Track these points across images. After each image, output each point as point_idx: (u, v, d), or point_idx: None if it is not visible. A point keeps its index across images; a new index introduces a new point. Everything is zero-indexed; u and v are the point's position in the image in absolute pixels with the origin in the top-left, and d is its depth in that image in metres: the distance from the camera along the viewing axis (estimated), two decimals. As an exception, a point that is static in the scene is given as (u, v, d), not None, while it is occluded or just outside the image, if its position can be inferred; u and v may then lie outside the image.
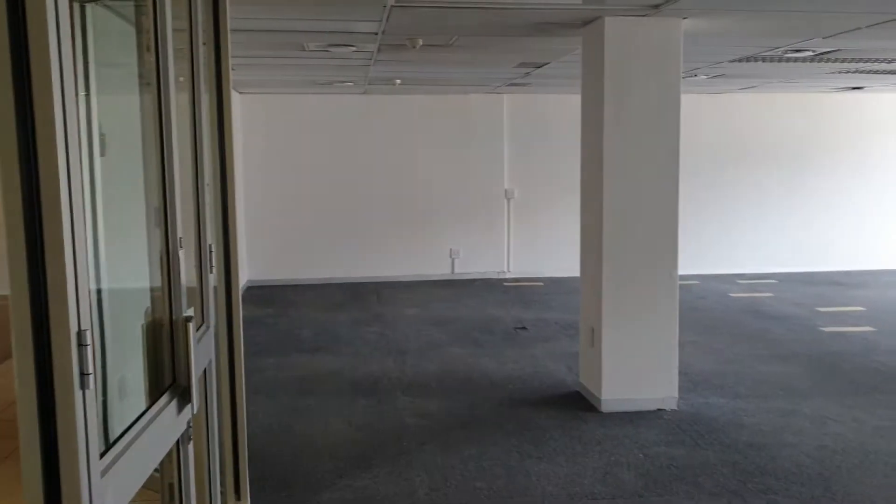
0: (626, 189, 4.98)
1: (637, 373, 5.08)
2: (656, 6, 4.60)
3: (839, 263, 10.71)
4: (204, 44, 3.00)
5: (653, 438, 4.59)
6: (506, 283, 10.07)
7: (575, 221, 10.24)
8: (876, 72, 7.76)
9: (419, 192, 10.37)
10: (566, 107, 10.28)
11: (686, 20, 4.93)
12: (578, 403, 5.25)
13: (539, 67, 7.37)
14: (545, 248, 10.52)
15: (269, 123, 10.00)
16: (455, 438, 4.63)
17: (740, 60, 6.96)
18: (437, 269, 10.47)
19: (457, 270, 10.49)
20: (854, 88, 9.73)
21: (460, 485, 3.99)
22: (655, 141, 4.98)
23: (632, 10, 4.72)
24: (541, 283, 10.02)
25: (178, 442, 2.03)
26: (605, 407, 5.05)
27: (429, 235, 10.43)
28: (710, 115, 10.16)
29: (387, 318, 8.03)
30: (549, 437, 4.62)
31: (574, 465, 4.22)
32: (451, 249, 10.46)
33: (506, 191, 10.49)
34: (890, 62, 7.02)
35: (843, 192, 10.76)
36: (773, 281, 9.99)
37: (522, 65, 7.21)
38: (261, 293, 9.40)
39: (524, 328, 7.51)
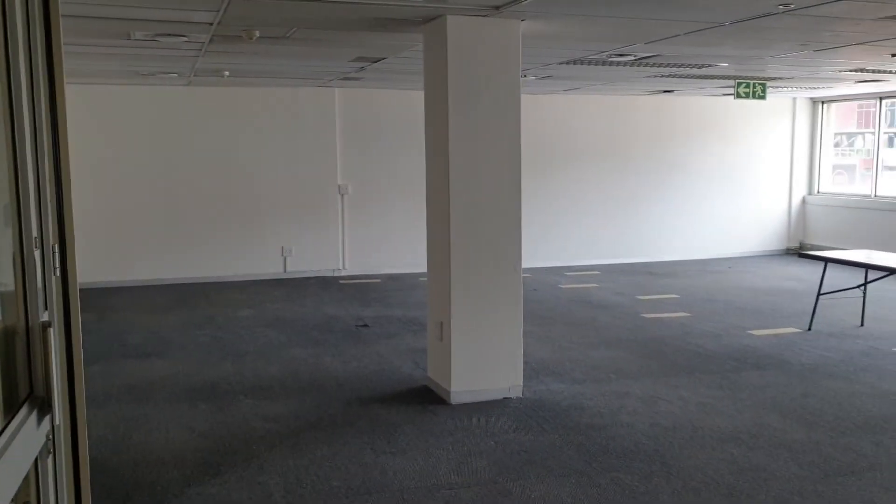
0: (472, 186, 5.08)
1: (484, 364, 5.21)
2: (497, 7, 4.72)
3: (653, 254, 11.52)
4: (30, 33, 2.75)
5: (502, 426, 4.73)
6: (342, 281, 10.00)
7: (411, 217, 10.50)
8: (686, 76, 8.39)
9: (248, 189, 10.08)
10: (400, 102, 10.36)
11: (524, 22, 5.11)
12: (428, 397, 5.31)
13: (375, 62, 7.37)
14: (381, 245, 10.55)
15: (88, 116, 9.33)
16: (306, 440, 4.54)
17: (569, 63, 7.30)
18: (268, 268, 10.22)
19: (289, 269, 10.29)
20: (665, 91, 10.47)
21: (316, 485, 3.93)
22: (499, 139, 5.12)
23: (473, 10, 4.82)
24: (378, 280, 10.03)
25: (36, 457, 1.85)
26: (455, 399, 5.14)
27: (259, 233, 10.16)
28: (534, 115, 10.58)
29: (219, 320, 7.74)
30: (401, 432, 4.64)
31: (428, 457, 4.26)
32: (282, 247, 10.25)
33: (339, 186, 10.41)
34: (700, 67, 7.62)
35: (656, 188, 11.57)
36: (596, 272, 10.58)
37: (359, 59, 7.17)
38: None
39: (366, 326, 7.50)
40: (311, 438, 4.56)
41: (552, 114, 10.79)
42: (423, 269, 10.29)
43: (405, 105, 10.38)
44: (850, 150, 12.99)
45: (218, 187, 9.95)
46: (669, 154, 11.58)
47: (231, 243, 10.06)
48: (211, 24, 5.23)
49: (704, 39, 5.86)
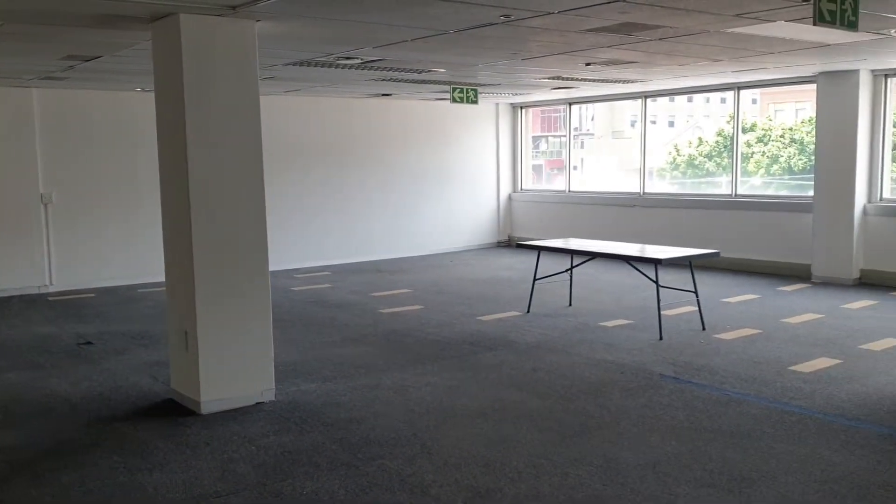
0: (214, 189, 4.95)
1: (235, 370, 5.10)
2: (233, 7, 4.65)
3: (380, 253, 11.91)
4: None
5: (260, 430, 4.67)
6: (51, 298, 9.14)
7: (126, 225, 9.86)
8: (407, 80, 8.80)
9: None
10: (111, 103, 9.72)
11: (259, 23, 5.07)
12: (175, 410, 5.08)
13: (88, 61, 6.85)
14: (93, 257, 9.81)
15: None
16: (46, 468, 4.15)
17: (295, 64, 7.34)
18: (-42, 289, 9.07)
19: (-13, 288, 9.21)
20: (384, 95, 10.87)
21: (67, 515, 3.62)
22: (239, 141, 5.03)
23: (208, 9, 4.70)
24: (92, 295, 9.30)
25: None
26: (206, 409, 4.98)
27: (-56, 251, 8.97)
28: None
29: None
30: (154, 448, 4.41)
31: (189, 469, 4.10)
32: (-25, 265, 9.14)
33: (42, 195, 9.50)
34: (420, 72, 8.04)
35: (379, 188, 11.97)
36: (327, 273, 10.71)
37: (70, 57, 6.63)
38: None
39: (89, 343, 6.94)
40: (53, 466, 4.17)
41: (274, 115, 10.70)
42: (142, 279, 9.80)
43: (116, 107, 9.74)
44: (536, 152, 14.39)
45: None
46: (390, 155, 12.05)
47: None
48: None
49: (429, 46, 6.22)
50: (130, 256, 9.92)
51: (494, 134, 13.30)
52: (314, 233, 11.35)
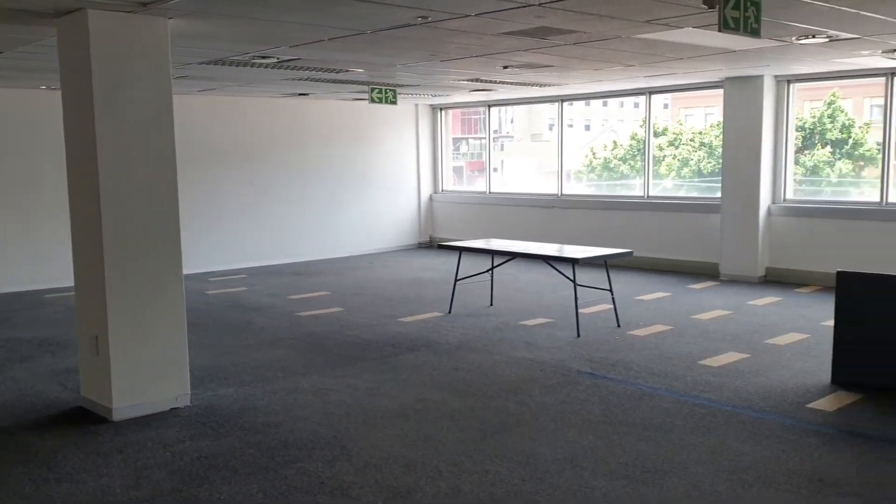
0: (125, 191, 4.80)
1: (148, 376, 4.97)
2: (144, 3, 4.53)
3: (298, 255, 11.78)
4: None
5: (175, 436, 4.56)
6: (-50, 305, 8.71)
7: (23, 228, 9.45)
8: (324, 80, 8.73)
9: None
10: (13, 102, 9.35)
11: (171, 20, 4.95)
12: (86, 418, 4.91)
13: (-16, 57, 6.56)
14: (-6, 262, 9.39)
15: None
16: (-57, 483, 3.96)
17: (209, 63, 7.19)
18: None
19: None
20: (301, 94, 10.76)
21: (-32, 531, 3.46)
22: (151, 142, 4.90)
23: (117, 6, 4.57)
24: (-5, 301, 8.91)
25: None
26: (118, 415, 4.83)
27: None
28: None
29: None
30: (62, 457, 4.25)
31: (100, 477, 3.98)
32: None
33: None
34: (338, 72, 7.99)
35: (298, 189, 11.83)
36: (243, 276, 10.53)
37: (-34, 52, 6.34)
38: None
39: (-7, 350, 6.65)
40: (-49, 481, 3.98)
41: (189, 115, 10.45)
42: (49, 284, 9.42)
43: (20, 105, 9.36)
44: (457, 154, 14.50)
45: None
46: (308, 156, 11.92)
47: None
48: None
49: (346, 46, 6.19)
50: (36, 260, 9.54)
51: (414, 135, 13.33)
52: (231, 235, 11.14)
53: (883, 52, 7.10)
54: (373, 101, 9.32)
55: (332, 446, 4.38)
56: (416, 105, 13.16)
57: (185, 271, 5.23)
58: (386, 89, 9.37)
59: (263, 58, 6.88)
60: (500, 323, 7.45)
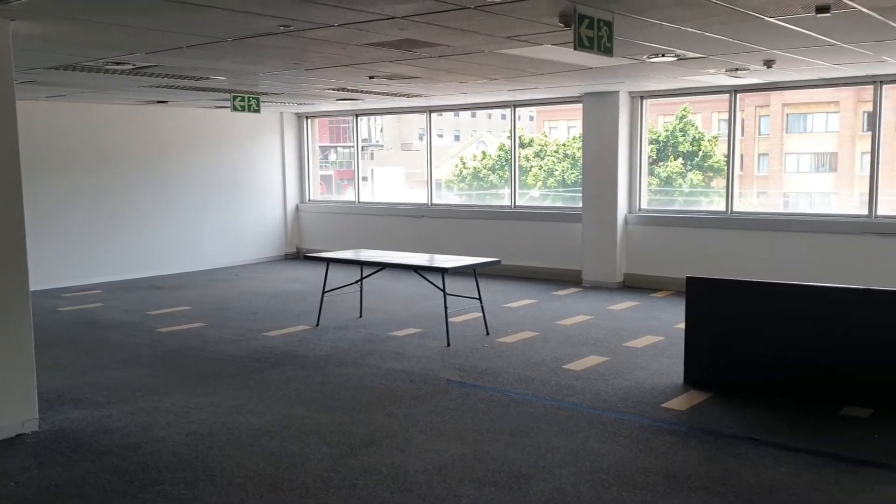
0: (-39, 200, 4.47)
1: (-10, 400, 4.63)
2: (-17, 2, 4.25)
3: (158, 268, 11.31)
4: None
5: (20, 465, 4.27)
6: None
7: None
8: (184, 87, 8.45)
9: None
10: None
11: (14, 22, 4.66)
12: (-83, 450, 4.53)
13: None
14: None
15: None
16: None
17: (58, 68, 6.82)
18: None
19: None
20: (159, 102, 10.36)
21: None
22: (-9, 147, 4.59)
23: (-49, 2, 4.26)
24: None
25: None
26: (-45, 446, 4.48)
27: None
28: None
29: None
30: None
31: (-66, 516, 3.67)
32: None
33: None
34: (198, 80, 7.75)
35: (156, 200, 11.37)
36: (99, 291, 10.01)
37: None
38: None
39: None
40: None
41: (37, 122, 9.87)
42: None
43: None
44: (326, 163, 14.40)
45: None
46: (168, 166, 11.48)
47: None
48: None
49: (207, 53, 6.01)
50: None
51: (280, 143, 13.09)
52: (85, 248, 10.57)
53: (727, 71, 7.57)
54: (235, 108, 9.11)
55: (195, 467, 4.22)
56: (282, 113, 12.95)
57: (34, 287, 4.92)
58: (249, 97, 9.18)
59: (118, 64, 6.58)
60: (370, 334, 7.42)
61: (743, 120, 11.56)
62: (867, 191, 8.46)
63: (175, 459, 4.33)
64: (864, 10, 4.66)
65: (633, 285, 9.92)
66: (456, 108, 11.68)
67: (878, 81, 8.20)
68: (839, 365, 5.18)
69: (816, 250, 8.63)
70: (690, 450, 4.46)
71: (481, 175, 14.10)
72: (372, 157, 15.61)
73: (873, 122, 8.42)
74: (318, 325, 7.83)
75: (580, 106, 10.13)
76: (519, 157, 11.31)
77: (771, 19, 4.94)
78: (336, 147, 15.48)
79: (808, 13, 4.74)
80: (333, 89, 8.95)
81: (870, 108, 8.50)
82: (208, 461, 4.30)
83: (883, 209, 8.42)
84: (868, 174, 8.50)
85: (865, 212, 8.49)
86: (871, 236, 8.34)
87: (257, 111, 9.41)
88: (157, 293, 9.88)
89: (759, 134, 19.10)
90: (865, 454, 4.36)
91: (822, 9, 4.58)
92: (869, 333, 5.09)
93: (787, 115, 19.66)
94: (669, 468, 4.17)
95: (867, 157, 8.70)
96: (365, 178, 13.35)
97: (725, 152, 9.44)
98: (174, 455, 4.40)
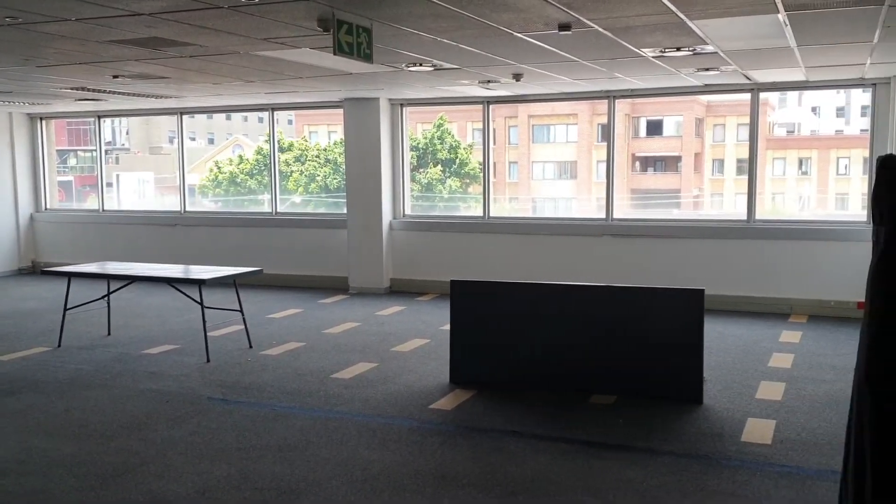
0: None
1: None
2: None
3: None
4: None
5: None
6: None
7: None
8: None
9: None
10: None
11: None
12: None
13: None
14: None
15: None
16: None
17: None
18: None
19: None
20: None
21: None
22: None
23: None
24: None
25: None
26: None
27: None
28: None
29: None
30: None
31: None
32: None
33: None
34: None
35: None
36: None
37: None
38: None
39: None
40: None
41: None
42: None
43: None
44: (65, 168, 13.27)
45: None
46: None
47: None
48: None
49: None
50: None
51: (9, 147, 11.78)
52: None
53: (480, 83, 7.92)
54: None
55: None
56: (11, 114, 11.68)
57: None
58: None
59: None
60: (120, 353, 6.88)
61: (494, 130, 12.17)
62: (604, 196, 9.24)
63: None
64: (601, 29, 5.06)
65: (400, 290, 10.07)
66: (210, 111, 11.20)
67: (611, 96, 8.98)
68: (586, 357, 5.58)
69: (562, 251, 9.27)
70: (458, 448, 4.57)
71: (239, 180, 13.62)
72: (117, 162, 14.59)
73: (608, 133, 9.22)
74: (59, 345, 7.13)
75: (341, 111, 10.11)
76: (279, 161, 11.08)
77: (519, 35, 5.22)
78: (76, 151, 14.27)
79: (551, 30, 5.05)
80: (72, 88, 8.21)
81: (604, 120, 9.30)
82: (-74, 511, 3.75)
83: (618, 213, 9.24)
84: (604, 181, 9.28)
85: (603, 215, 9.26)
86: (609, 238, 9.11)
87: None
88: None
89: (510, 143, 20.30)
90: (612, 439, 4.72)
91: (563, 27, 4.91)
92: (610, 327, 5.54)
93: (533, 125, 21.08)
94: (439, 468, 4.25)
95: (603, 166, 9.50)
96: (110, 184, 12.41)
97: (481, 160, 9.87)
98: None
